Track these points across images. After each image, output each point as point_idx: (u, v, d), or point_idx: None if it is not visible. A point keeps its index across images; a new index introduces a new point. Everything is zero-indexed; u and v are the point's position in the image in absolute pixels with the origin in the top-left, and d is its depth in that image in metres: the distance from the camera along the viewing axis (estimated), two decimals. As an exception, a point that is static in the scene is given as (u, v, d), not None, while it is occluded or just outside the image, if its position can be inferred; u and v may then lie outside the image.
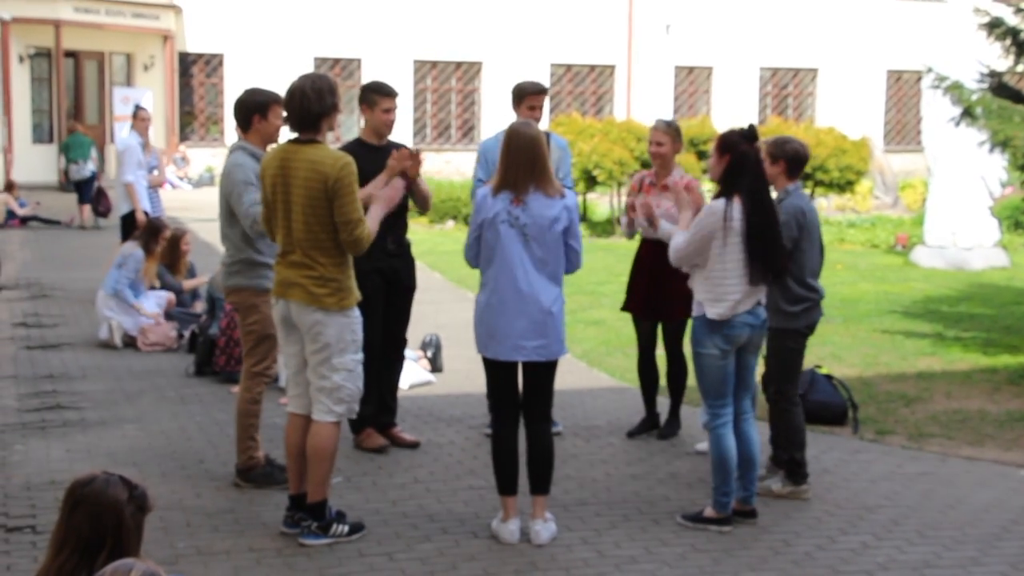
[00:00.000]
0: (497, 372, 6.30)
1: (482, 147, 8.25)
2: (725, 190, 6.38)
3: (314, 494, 6.13)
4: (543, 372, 6.29)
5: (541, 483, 6.30)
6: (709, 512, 6.52)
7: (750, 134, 6.42)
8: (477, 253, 6.29)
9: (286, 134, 6.32)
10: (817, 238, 7.01)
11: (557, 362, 6.33)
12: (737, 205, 6.31)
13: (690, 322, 8.33)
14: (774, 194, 6.96)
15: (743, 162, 6.36)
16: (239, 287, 7.00)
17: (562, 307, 6.27)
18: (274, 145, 6.69)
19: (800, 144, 7.04)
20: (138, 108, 13.63)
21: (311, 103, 6.06)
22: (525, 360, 6.19)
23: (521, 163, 6.11)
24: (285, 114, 6.25)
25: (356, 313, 6.18)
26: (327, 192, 5.96)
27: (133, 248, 11.63)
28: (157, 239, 11.77)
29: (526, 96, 8.04)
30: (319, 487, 6.12)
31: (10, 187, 22.48)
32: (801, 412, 7.13)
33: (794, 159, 6.96)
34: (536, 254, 6.13)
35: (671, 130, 8.05)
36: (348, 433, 7.74)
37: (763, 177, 6.47)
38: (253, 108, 6.94)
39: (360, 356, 6.20)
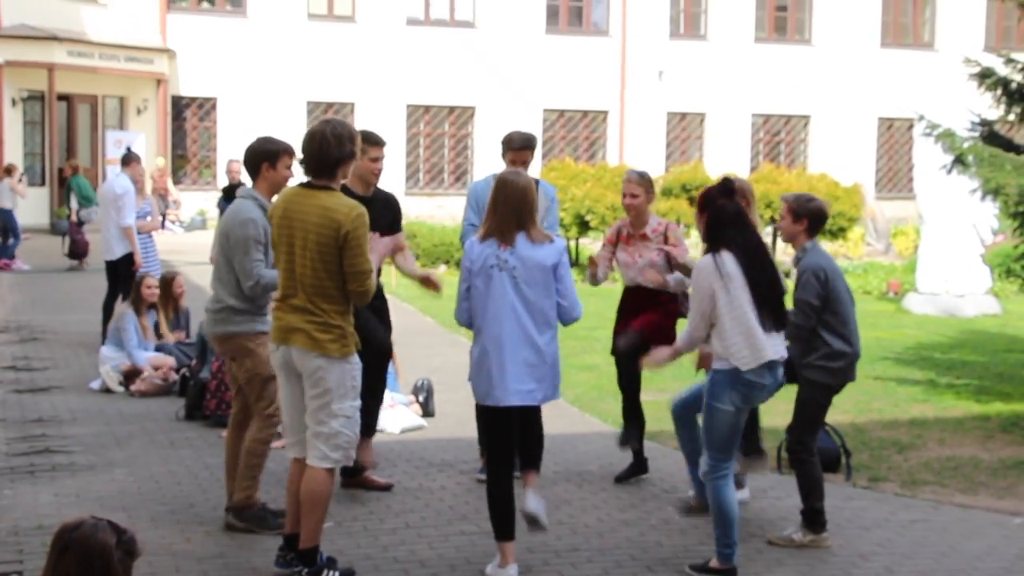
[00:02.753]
0: (493, 419, 6.28)
1: (472, 189, 8.26)
2: (711, 245, 6.41)
3: (306, 540, 6.07)
4: (536, 414, 6.35)
5: (532, 460, 6.46)
6: (714, 563, 6.46)
7: (725, 188, 6.49)
8: (468, 308, 6.27)
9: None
10: (846, 292, 6.98)
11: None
12: (727, 255, 6.31)
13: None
14: (791, 251, 6.97)
15: (721, 216, 6.41)
16: (229, 334, 6.89)
17: (556, 350, 6.26)
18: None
19: (823, 202, 7.09)
20: (133, 152, 13.52)
21: (331, 148, 6.01)
22: (520, 404, 6.18)
23: (508, 213, 6.15)
24: (301, 158, 6.15)
25: (356, 360, 6.13)
26: (338, 241, 5.92)
27: (125, 311, 11.60)
28: (140, 291, 11.73)
29: (508, 151, 8.04)
30: (311, 533, 6.06)
31: (9, 171, 21.89)
32: (819, 463, 7.12)
33: (817, 217, 7.00)
34: (527, 297, 6.13)
35: (644, 181, 8.14)
36: (337, 477, 7.69)
37: (747, 227, 6.47)
38: (263, 156, 6.89)
39: (358, 403, 6.16)
